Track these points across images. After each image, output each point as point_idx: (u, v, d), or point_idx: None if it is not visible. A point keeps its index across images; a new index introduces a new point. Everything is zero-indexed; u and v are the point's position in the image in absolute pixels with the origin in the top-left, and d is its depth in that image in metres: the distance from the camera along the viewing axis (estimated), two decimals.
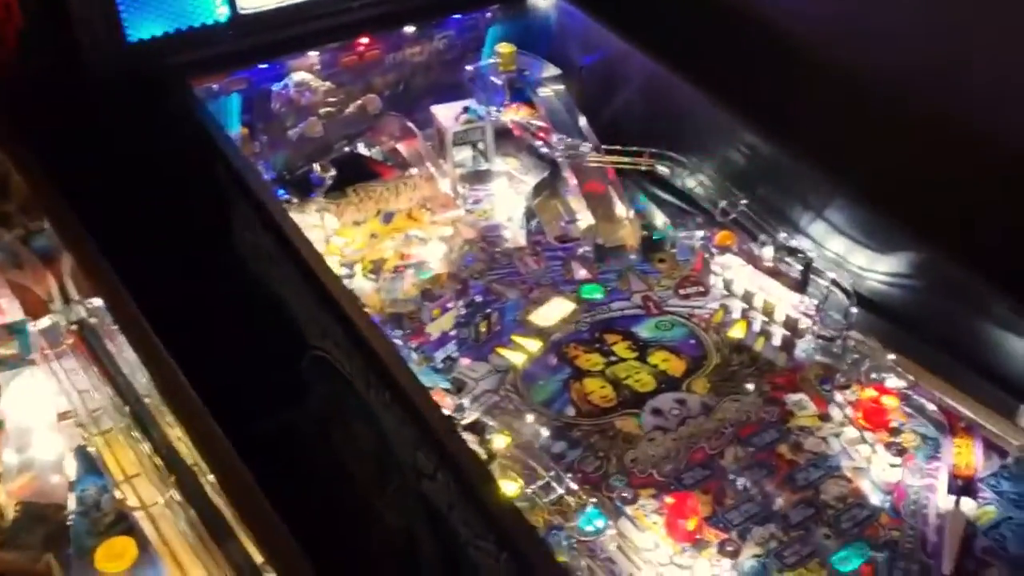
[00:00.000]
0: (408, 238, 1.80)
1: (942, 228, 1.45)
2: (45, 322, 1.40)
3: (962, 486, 1.25)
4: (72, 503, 1.12)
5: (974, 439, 1.32)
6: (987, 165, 1.56)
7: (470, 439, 1.25)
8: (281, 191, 1.75)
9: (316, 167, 1.71)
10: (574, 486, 1.26)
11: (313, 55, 1.84)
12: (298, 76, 1.82)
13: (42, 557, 1.08)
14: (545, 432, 1.38)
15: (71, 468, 1.18)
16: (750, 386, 1.45)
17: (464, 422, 1.29)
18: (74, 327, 1.40)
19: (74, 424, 1.25)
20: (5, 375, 1.28)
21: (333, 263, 1.67)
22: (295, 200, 1.76)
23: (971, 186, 1.56)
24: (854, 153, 1.59)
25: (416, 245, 1.78)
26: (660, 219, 1.82)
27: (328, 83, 1.85)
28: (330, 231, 1.73)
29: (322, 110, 1.84)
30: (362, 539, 1.50)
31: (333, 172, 1.71)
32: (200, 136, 1.57)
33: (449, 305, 1.54)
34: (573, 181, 1.83)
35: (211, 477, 1.06)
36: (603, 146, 1.85)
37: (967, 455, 1.28)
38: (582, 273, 1.73)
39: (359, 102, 1.86)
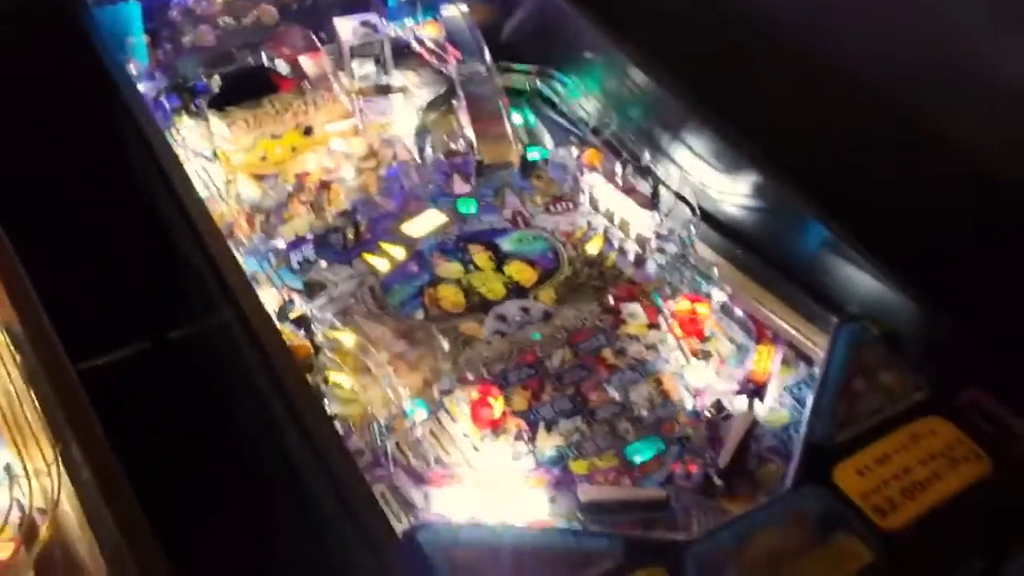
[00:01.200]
0: (331, 151, 1.87)
1: (790, 158, 1.53)
2: None
3: (754, 390, 1.34)
4: None
5: (776, 347, 1.41)
6: (840, 103, 1.63)
7: (299, 333, 1.35)
8: (175, 98, 1.81)
9: (203, 76, 1.77)
10: (399, 382, 1.35)
11: None
12: None
13: None
14: (390, 332, 1.47)
15: None
16: (594, 297, 1.54)
17: (292, 316, 1.38)
18: None
19: None
20: None
21: (218, 171, 1.75)
22: (192, 108, 1.82)
23: (824, 120, 1.63)
24: (721, 83, 1.65)
25: (339, 158, 1.85)
26: (545, 136, 1.89)
27: None
28: (221, 140, 1.80)
29: (220, 19, 1.89)
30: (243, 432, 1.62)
31: (219, 81, 1.77)
32: (84, 42, 1.64)
33: (302, 209, 1.62)
34: (464, 99, 1.89)
35: None
36: (497, 64, 1.91)
37: (765, 362, 1.37)
38: (463, 188, 1.80)
39: (254, 12, 1.90)
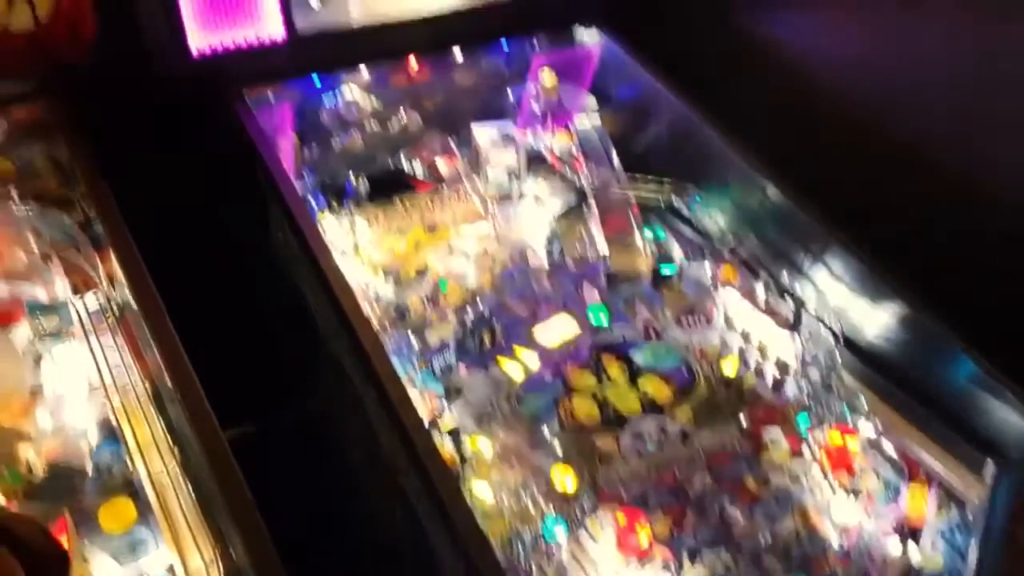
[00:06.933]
0: (451, 248, 1.91)
1: (931, 284, 1.50)
2: (91, 301, 1.57)
3: (910, 532, 1.29)
4: (89, 466, 1.27)
5: (930, 488, 1.36)
6: (988, 228, 1.60)
7: (447, 443, 1.36)
8: (320, 196, 1.88)
9: (352, 177, 1.84)
10: (539, 496, 1.34)
11: (365, 74, 1.98)
12: (348, 92, 1.96)
13: (60, 511, 1.23)
14: (527, 443, 1.47)
15: (93, 434, 1.33)
16: (732, 418, 1.52)
17: (443, 427, 1.39)
18: (116, 309, 1.55)
19: (102, 395, 1.39)
20: (47, 345, 1.44)
21: (359, 267, 1.80)
22: (334, 205, 1.89)
23: (968, 246, 1.61)
24: (860, 204, 1.65)
25: (457, 256, 1.89)
26: (676, 250, 1.90)
27: (375, 99, 1.98)
28: (360, 237, 1.85)
29: (367, 125, 1.97)
30: (354, 524, 1.63)
31: (366, 183, 1.84)
32: (246, 141, 1.72)
33: (448, 314, 1.64)
34: (596, 208, 1.92)
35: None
36: (628, 175, 1.94)
37: (919, 503, 1.33)
38: (593, 296, 1.81)
39: (402, 120, 1.98)
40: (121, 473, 1.27)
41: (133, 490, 1.24)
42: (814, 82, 1.92)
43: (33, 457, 1.30)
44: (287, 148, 1.91)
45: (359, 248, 1.83)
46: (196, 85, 1.78)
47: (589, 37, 2.10)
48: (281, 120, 1.90)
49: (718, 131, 1.83)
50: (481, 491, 1.37)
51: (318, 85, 1.94)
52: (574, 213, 1.97)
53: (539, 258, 1.90)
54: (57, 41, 1.71)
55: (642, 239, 1.88)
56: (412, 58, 1.99)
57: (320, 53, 1.88)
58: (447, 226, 1.92)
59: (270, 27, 1.79)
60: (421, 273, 1.82)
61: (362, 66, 1.96)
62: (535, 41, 2.11)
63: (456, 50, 2.02)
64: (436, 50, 2.03)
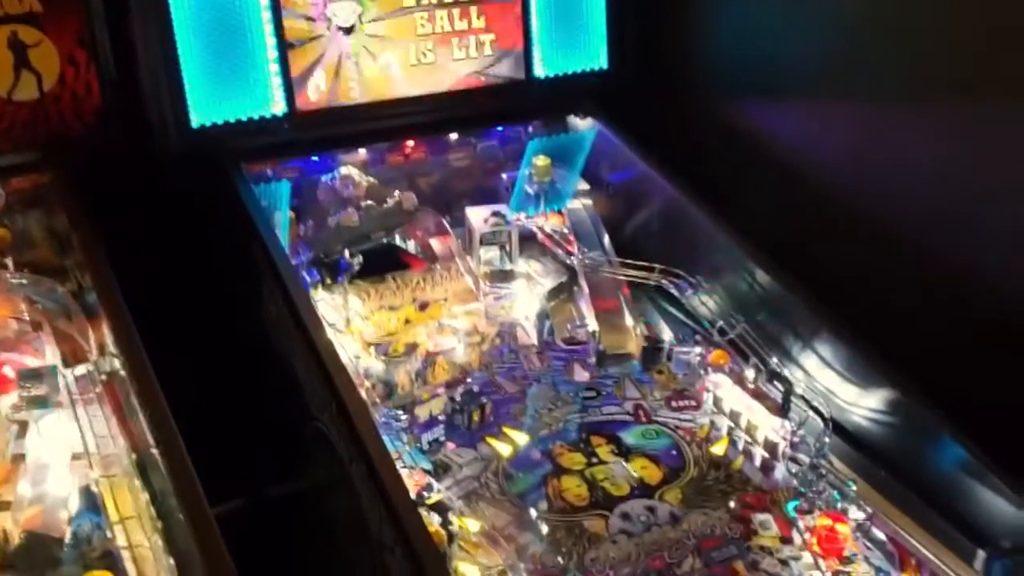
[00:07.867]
0: (441, 326, 1.92)
1: (921, 370, 1.51)
2: (80, 370, 1.56)
3: None
4: (67, 536, 1.24)
5: (921, 575, 1.35)
6: (978, 314, 1.62)
7: (434, 519, 1.34)
8: (314, 272, 1.89)
9: (346, 253, 1.86)
10: None
11: (362, 152, 2.02)
12: (344, 170, 1.99)
13: None
14: (514, 522, 1.45)
15: (75, 503, 1.31)
16: (721, 502, 1.51)
17: (429, 501, 1.37)
18: (104, 378, 1.54)
19: (85, 465, 1.38)
20: (35, 414, 1.42)
21: (351, 342, 1.80)
22: (328, 281, 1.90)
23: (957, 331, 1.63)
24: (848, 289, 1.67)
25: (448, 333, 1.90)
26: (666, 332, 1.91)
27: (371, 179, 2.01)
28: (352, 313, 1.86)
29: (363, 203, 2.00)
30: None
31: (360, 259, 1.85)
32: (242, 215, 1.74)
33: (439, 391, 1.64)
34: (587, 289, 1.94)
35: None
36: (619, 259, 1.97)
37: None
38: (582, 375, 1.82)
39: (397, 198, 2.01)
40: (101, 545, 1.24)
41: (112, 562, 1.21)
42: (802, 169, 1.97)
43: (11, 526, 1.28)
44: (283, 223, 1.93)
45: (351, 323, 1.84)
46: (196, 158, 1.81)
47: (583, 124, 2.15)
48: (278, 195, 1.92)
49: (708, 216, 1.86)
50: (469, 572, 1.35)
51: (315, 160, 1.97)
52: (565, 292, 1.99)
53: (529, 336, 1.91)
54: (61, 112, 1.74)
55: (632, 319, 1.89)
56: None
57: (319, 130, 1.92)
58: (438, 304, 1.93)
59: (272, 104, 1.83)
60: (410, 349, 1.82)
61: (360, 147, 1.99)
62: (530, 127, 2.16)
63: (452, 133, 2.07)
64: (434, 132, 2.07)
